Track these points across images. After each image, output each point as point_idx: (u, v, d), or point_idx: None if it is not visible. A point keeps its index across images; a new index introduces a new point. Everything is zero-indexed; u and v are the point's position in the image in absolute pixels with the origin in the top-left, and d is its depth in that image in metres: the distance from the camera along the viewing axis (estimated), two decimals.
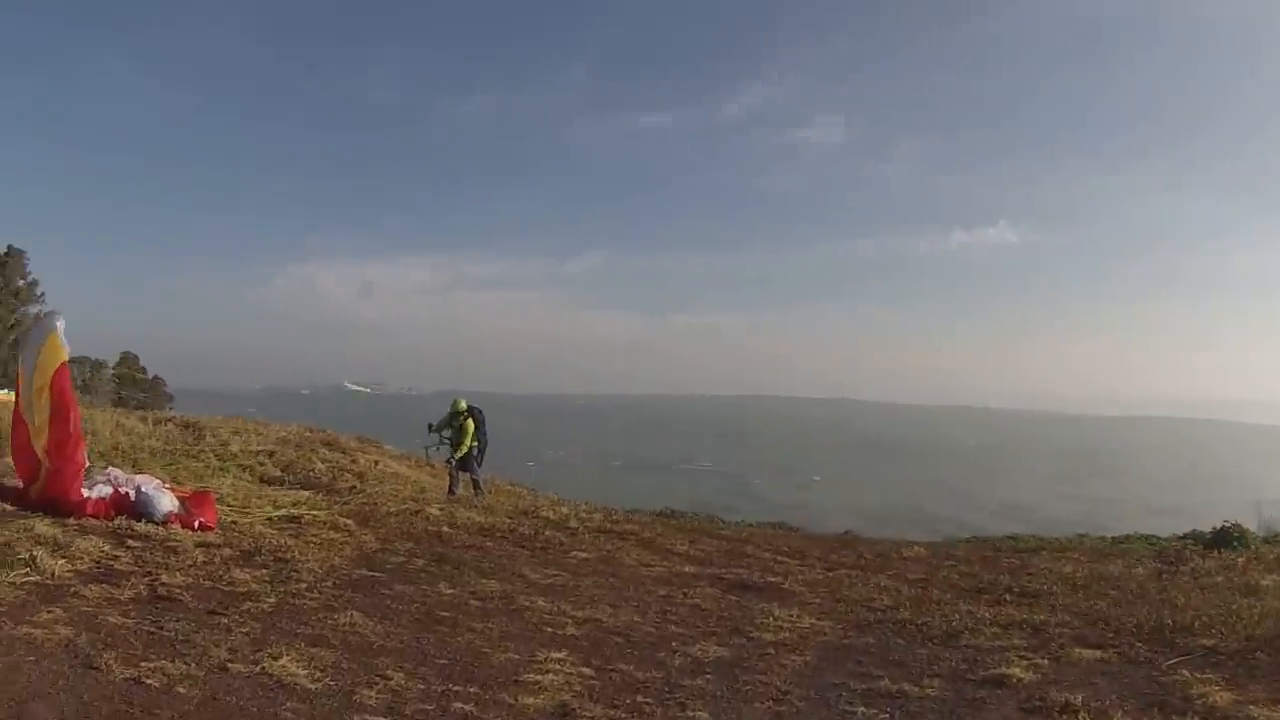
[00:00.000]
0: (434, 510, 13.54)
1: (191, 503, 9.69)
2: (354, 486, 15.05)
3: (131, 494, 9.38)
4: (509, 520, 13.73)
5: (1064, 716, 5.21)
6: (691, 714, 5.09)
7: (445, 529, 11.99)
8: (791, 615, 8.34)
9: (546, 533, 12.81)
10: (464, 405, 16.49)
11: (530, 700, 5.06)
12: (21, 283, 56.77)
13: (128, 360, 68.85)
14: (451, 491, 15.96)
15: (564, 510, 15.90)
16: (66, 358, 9.78)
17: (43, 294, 57.36)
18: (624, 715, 4.97)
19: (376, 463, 18.52)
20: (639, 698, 5.32)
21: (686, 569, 10.99)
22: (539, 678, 5.53)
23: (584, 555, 11.35)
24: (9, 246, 56.41)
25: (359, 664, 5.35)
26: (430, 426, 16.63)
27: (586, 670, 5.88)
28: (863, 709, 5.35)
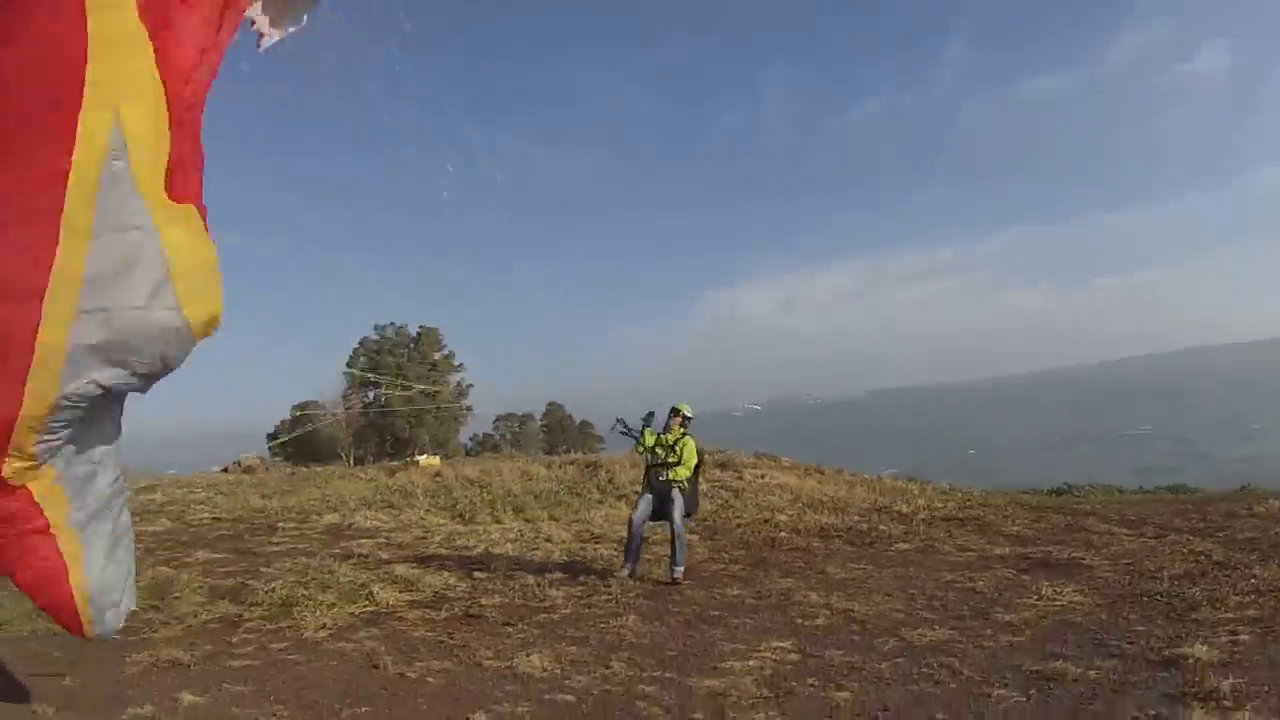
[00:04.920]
0: (783, 517, 14.97)
1: None
2: (725, 503, 17.00)
3: None
4: (858, 519, 14.68)
5: (1209, 703, 4.96)
6: (837, 694, 5.80)
7: (784, 534, 13.31)
8: (1058, 593, 8.39)
9: (882, 527, 13.57)
10: (689, 411, 10.53)
11: (709, 683, 6.11)
12: (438, 355, 62.07)
13: (553, 410, 74.75)
14: (631, 560, 10.21)
15: (920, 502, 16.34)
16: None
17: (461, 364, 62.40)
18: (776, 695, 5.84)
19: (762, 476, 20.33)
20: (810, 680, 6.11)
21: (1000, 551, 11.08)
22: (738, 664, 6.56)
23: (905, 547, 11.96)
24: (420, 326, 62.49)
25: (596, 658, 6.82)
26: (620, 423, 10.97)
27: (794, 657, 6.75)
28: (1002, 691, 5.57)
